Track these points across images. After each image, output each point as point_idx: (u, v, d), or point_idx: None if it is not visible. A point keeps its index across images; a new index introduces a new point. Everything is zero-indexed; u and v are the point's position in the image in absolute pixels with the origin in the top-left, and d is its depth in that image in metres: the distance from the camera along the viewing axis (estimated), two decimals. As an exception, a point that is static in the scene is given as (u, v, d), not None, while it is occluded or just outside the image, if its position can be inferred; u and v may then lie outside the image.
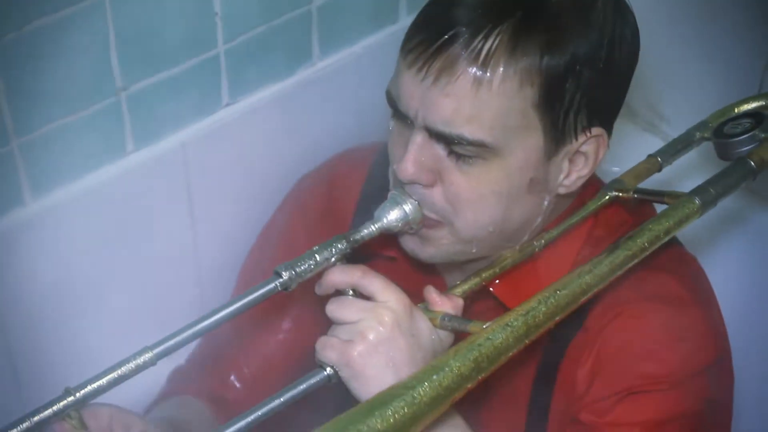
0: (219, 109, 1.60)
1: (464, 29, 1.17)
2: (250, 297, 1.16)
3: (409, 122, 1.22)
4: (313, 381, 1.16)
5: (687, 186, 1.33)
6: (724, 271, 1.60)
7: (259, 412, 1.12)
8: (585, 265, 1.20)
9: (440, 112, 1.18)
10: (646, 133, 1.99)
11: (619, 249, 1.22)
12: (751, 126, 1.38)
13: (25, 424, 1.07)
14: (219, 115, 1.60)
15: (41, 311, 1.50)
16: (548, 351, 1.30)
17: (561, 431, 1.29)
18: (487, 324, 1.14)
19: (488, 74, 1.17)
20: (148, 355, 1.11)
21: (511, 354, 1.13)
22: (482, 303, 1.32)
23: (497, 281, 1.31)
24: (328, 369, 1.17)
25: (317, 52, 1.68)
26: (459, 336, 1.19)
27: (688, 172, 1.70)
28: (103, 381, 1.10)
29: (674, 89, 1.96)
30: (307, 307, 1.45)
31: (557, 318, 1.17)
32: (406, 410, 1.04)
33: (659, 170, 1.43)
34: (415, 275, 1.36)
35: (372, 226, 1.24)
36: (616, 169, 1.41)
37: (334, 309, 1.19)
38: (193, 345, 1.51)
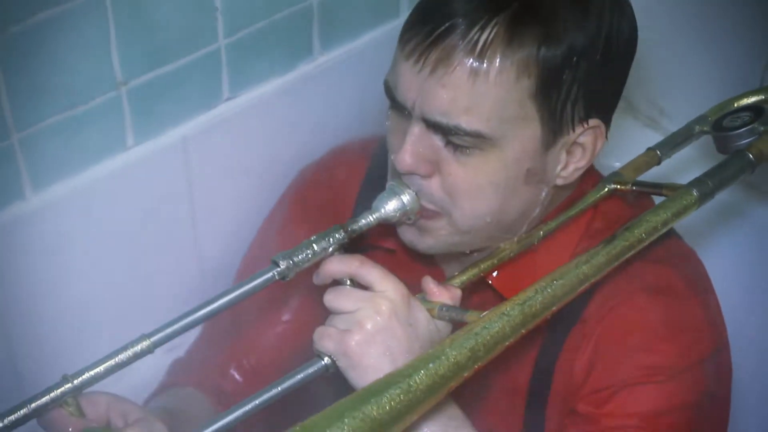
0: (219, 103, 1.60)
1: (461, 20, 1.17)
2: (248, 286, 1.16)
3: (407, 113, 1.22)
4: (310, 370, 1.16)
5: (686, 180, 1.32)
6: (723, 265, 1.60)
7: (257, 401, 1.12)
8: (582, 255, 1.20)
9: (437, 102, 1.19)
10: (646, 129, 1.99)
11: (616, 240, 1.22)
12: (750, 119, 1.38)
13: (23, 411, 1.08)
14: (219, 109, 1.60)
15: (41, 305, 1.50)
16: (546, 342, 1.30)
17: (559, 422, 1.29)
18: (484, 313, 1.14)
19: (485, 65, 1.17)
20: (145, 343, 1.11)
21: (507, 343, 1.13)
22: (481, 294, 1.32)
23: (495, 272, 1.31)
24: (326, 359, 1.17)
25: (318, 46, 1.68)
26: (456, 326, 1.19)
27: (687, 166, 1.70)
28: (101, 368, 1.10)
29: (675, 85, 1.96)
30: (306, 299, 1.45)
31: (554, 308, 1.17)
32: (402, 398, 1.04)
33: (658, 163, 1.43)
34: (413, 266, 1.36)
35: (370, 217, 1.24)
36: (617, 164, 1.40)
37: (331, 299, 1.19)
38: (193, 337, 1.52)
